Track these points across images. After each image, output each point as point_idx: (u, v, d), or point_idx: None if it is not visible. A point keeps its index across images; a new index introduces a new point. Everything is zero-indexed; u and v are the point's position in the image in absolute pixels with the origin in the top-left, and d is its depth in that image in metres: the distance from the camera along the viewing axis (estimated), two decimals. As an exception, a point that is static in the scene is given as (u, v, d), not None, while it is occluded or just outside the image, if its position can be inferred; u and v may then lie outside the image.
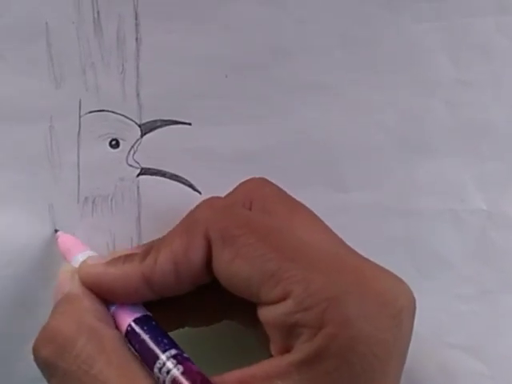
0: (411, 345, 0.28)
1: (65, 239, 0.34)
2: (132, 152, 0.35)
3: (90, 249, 0.33)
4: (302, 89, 0.35)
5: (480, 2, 0.35)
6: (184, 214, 0.34)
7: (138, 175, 0.35)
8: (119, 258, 0.30)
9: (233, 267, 0.28)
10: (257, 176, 0.34)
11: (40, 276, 0.35)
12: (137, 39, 0.34)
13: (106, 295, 0.30)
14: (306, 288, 0.26)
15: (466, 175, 0.36)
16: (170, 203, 0.35)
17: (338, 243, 0.29)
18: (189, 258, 0.29)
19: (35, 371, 0.29)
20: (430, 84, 0.35)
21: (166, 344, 0.28)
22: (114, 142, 0.35)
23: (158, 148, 0.35)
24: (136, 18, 0.34)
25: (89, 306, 0.29)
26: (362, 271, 0.27)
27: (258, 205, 0.31)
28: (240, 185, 0.33)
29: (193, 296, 0.30)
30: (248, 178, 0.34)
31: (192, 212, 0.31)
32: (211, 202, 0.31)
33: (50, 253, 0.35)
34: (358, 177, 0.36)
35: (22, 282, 0.35)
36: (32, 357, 0.29)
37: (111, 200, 0.35)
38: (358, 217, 0.36)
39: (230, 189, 0.34)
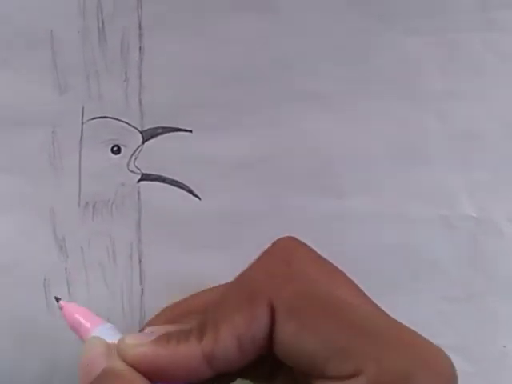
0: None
1: (71, 310, 0.30)
2: (133, 158, 0.35)
3: (103, 319, 0.30)
4: (299, 98, 0.36)
5: (467, 18, 0.36)
6: (183, 219, 0.35)
7: (139, 181, 0.36)
8: (170, 336, 0.28)
9: (298, 339, 0.26)
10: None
11: (40, 281, 0.35)
12: (140, 49, 0.35)
13: (158, 376, 0.27)
14: (379, 365, 0.25)
15: (457, 183, 0.37)
16: (170, 208, 0.36)
17: (382, 312, 0.28)
18: (253, 332, 0.27)
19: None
20: (421, 95, 0.36)
21: None
22: (115, 148, 0.35)
23: (158, 154, 0.35)
24: (140, 29, 0.35)
25: (139, 382, 0.27)
26: (420, 346, 0.27)
27: (298, 268, 0.29)
28: (273, 246, 0.30)
29: None
30: (246, 184, 0.35)
31: (247, 280, 0.28)
32: (266, 268, 0.29)
33: (50, 258, 0.35)
34: (353, 184, 0.37)
35: (22, 286, 0.35)
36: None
37: (112, 205, 0.35)
38: (353, 222, 0.37)
39: (228, 194, 0.35)
